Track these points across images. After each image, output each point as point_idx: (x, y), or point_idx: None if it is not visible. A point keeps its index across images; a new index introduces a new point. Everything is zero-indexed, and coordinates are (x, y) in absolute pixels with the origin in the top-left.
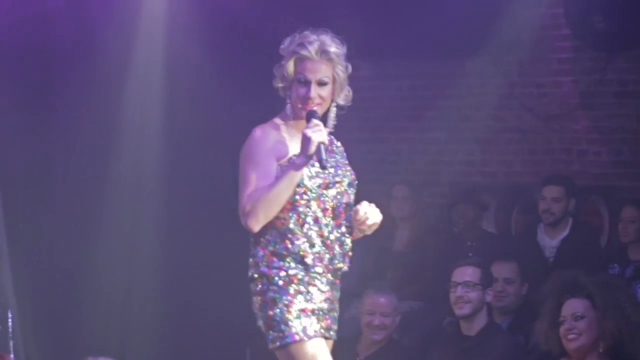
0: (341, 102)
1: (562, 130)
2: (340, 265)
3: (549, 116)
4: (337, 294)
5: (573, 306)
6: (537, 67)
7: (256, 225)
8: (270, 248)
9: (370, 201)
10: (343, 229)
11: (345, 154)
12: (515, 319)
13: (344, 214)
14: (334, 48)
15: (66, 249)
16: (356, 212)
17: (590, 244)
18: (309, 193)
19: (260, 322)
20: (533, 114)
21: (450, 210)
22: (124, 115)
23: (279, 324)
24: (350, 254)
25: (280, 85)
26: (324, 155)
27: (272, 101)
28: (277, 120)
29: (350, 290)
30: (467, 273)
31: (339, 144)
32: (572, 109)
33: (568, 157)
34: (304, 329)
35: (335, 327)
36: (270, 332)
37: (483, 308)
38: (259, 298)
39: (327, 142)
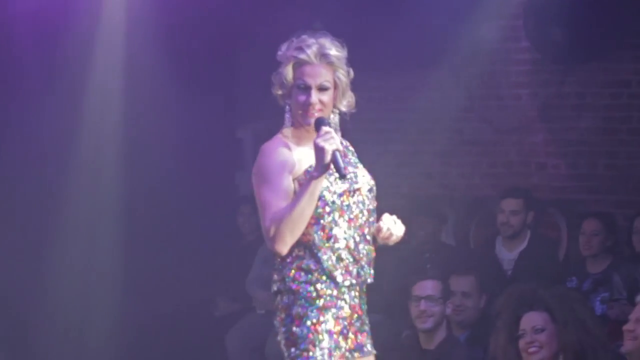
0: (343, 108)
1: (521, 143)
2: (368, 276)
3: (507, 129)
4: (365, 307)
5: (532, 319)
6: (496, 79)
7: (284, 248)
8: (297, 263)
9: None
10: (368, 237)
11: (356, 154)
12: (474, 332)
13: (368, 221)
14: (334, 51)
15: (21, 263)
16: (379, 229)
17: (548, 256)
18: (331, 204)
19: (281, 337)
20: (492, 126)
21: (409, 222)
22: (82, 124)
23: (303, 342)
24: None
25: (279, 92)
26: (341, 164)
27: (231, 106)
28: (281, 134)
29: None
30: (428, 287)
31: (350, 146)
32: (530, 122)
33: (526, 169)
34: (329, 352)
35: (369, 341)
36: (292, 349)
37: (443, 321)
38: (282, 313)
39: (341, 148)
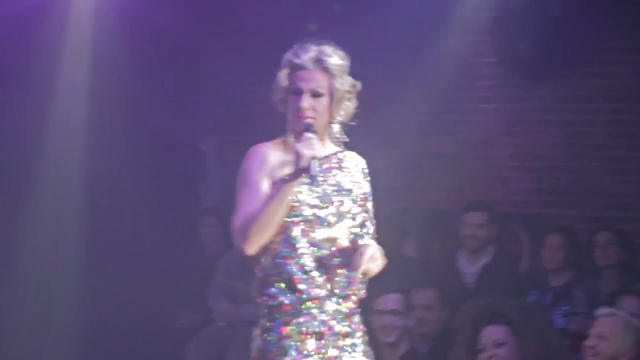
0: (339, 118)
1: (485, 157)
2: (345, 289)
3: (472, 143)
4: (356, 319)
5: (493, 333)
6: (462, 94)
7: (249, 248)
8: (264, 273)
9: None
10: (346, 250)
11: (365, 170)
12: (436, 345)
13: (347, 232)
14: (333, 59)
15: None
16: (355, 267)
17: (511, 270)
18: (300, 215)
19: (253, 349)
20: (456, 140)
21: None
22: (48, 132)
23: (268, 355)
24: (360, 277)
25: (277, 98)
26: (314, 171)
27: (195, 118)
28: (278, 139)
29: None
30: (392, 300)
31: (356, 160)
32: (495, 136)
33: (490, 184)
34: None
35: (345, 355)
36: None
37: (406, 335)
38: (258, 324)
39: (319, 156)
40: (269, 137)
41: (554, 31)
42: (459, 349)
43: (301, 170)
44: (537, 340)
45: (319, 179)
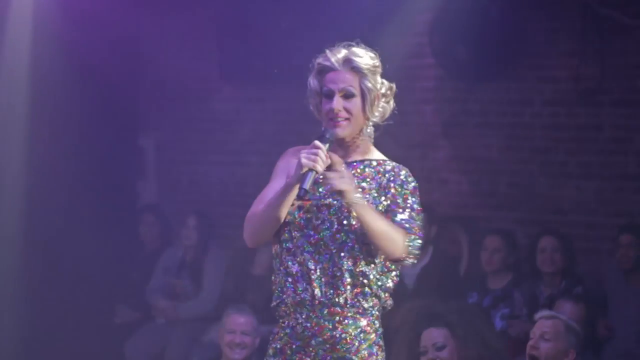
0: (375, 119)
1: (423, 159)
2: (332, 296)
3: (410, 144)
4: (352, 329)
5: (433, 336)
6: (400, 95)
7: (248, 241)
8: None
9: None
10: (336, 258)
11: (376, 177)
12: None
13: (334, 242)
14: (362, 59)
15: None
16: (331, 165)
17: (450, 272)
18: (288, 218)
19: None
20: (395, 141)
21: None
22: None
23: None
24: (347, 282)
25: (312, 104)
26: (305, 184)
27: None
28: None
29: (209, 313)
30: None
31: (389, 173)
32: (433, 138)
33: (428, 185)
34: None
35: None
36: None
37: None
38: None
39: (319, 169)
40: (206, 134)
41: (492, 34)
42: (400, 350)
43: (297, 179)
44: (477, 343)
45: (305, 193)
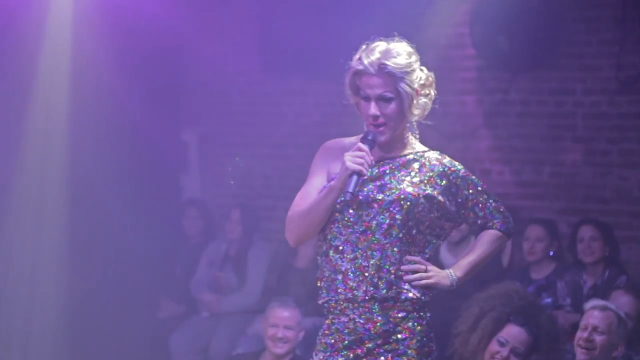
0: (415, 118)
1: (465, 149)
2: (383, 292)
3: (452, 135)
4: (404, 322)
5: (515, 334)
6: (441, 85)
7: (290, 238)
8: (318, 273)
9: None
10: (389, 252)
11: (436, 173)
12: None
13: (386, 237)
14: (397, 60)
15: None
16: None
17: (493, 262)
18: (336, 215)
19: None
20: (436, 132)
21: None
22: (29, 125)
23: (314, 350)
24: (391, 278)
25: (353, 101)
26: (351, 188)
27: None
28: (353, 137)
29: (253, 306)
30: None
31: (430, 164)
32: (475, 128)
33: None
34: None
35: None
36: None
37: None
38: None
39: (364, 173)
40: (249, 128)
41: (533, 23)
42: (475, 334)
43: (343, 182)
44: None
45: (351, 196)
